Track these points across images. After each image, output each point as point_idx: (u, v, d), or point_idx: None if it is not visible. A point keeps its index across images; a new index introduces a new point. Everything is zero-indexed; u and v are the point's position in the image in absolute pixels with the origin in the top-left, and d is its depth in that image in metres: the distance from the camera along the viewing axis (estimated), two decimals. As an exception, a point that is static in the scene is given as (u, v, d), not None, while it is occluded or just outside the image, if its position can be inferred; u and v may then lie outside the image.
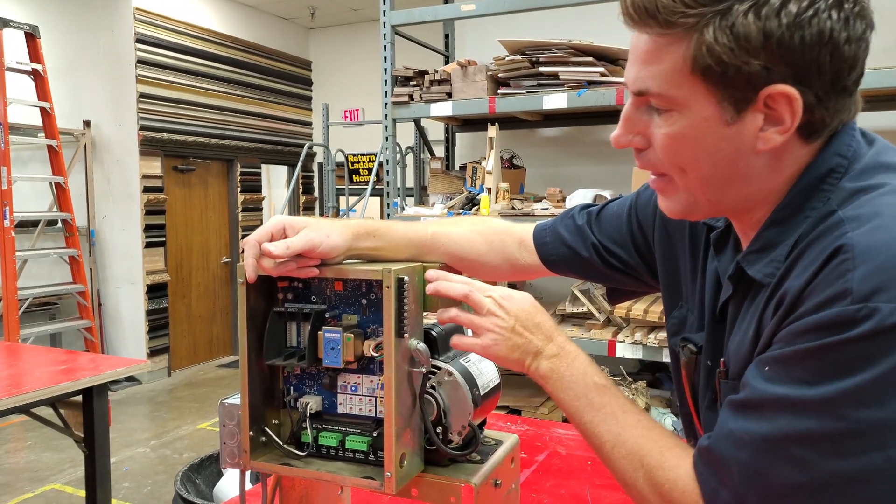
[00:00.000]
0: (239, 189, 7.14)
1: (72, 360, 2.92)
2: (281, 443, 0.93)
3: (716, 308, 0.82)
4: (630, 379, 3.31)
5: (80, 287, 5.44)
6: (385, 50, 3.60)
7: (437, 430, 0.89)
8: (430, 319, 0.92)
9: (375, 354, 0.88)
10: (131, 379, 5.90)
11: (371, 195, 4.94)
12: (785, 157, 0.71)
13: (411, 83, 3.57)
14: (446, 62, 4.30)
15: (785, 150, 0.70)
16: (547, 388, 0.84)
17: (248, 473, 0.96)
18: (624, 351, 3.06)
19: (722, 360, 0.78)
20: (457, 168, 4.26)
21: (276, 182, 8.10)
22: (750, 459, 0.65)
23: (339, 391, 0.93)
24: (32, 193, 5.77)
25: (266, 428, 0.94)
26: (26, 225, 5.52)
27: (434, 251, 1.01)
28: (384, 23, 3.60)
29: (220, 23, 6.82)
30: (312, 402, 0.92)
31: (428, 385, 0.89)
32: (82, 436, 2.76)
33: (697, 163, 0.71)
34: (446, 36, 4.45)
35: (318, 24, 7.79)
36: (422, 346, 0.86)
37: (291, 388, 0.95)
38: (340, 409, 0.93)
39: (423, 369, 0.88)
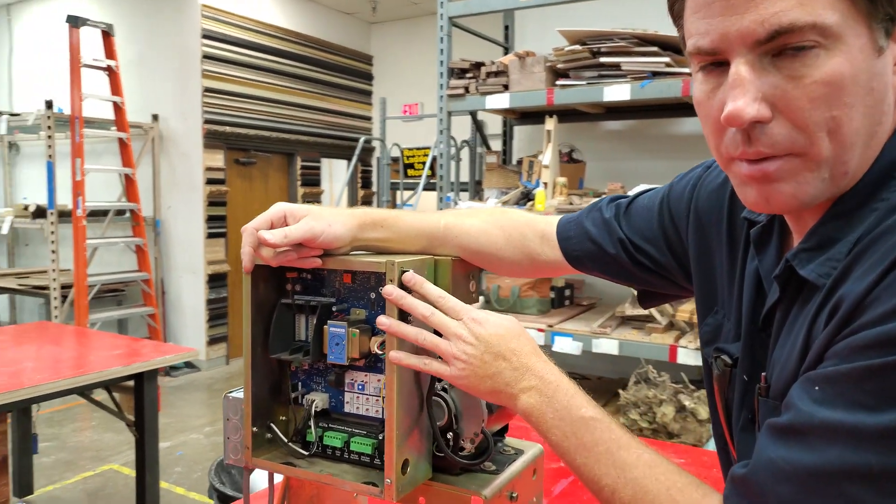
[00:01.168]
0: (299, 182, 7.23)
1: (128, 346, 3.01)
2: (286, 440, 0.88)
3: (755, 315, 0.71)
4: (692, 387, 3.13)
5: (145, 275, 5.62)
6: (441, 42, 3.54)
7: (448, 437, 0.82)
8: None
9: (380, 352, 0.81)
10: (191, 366, 6.06)
11: (424, 189, 4.90)
12: None
13: (467, 75, 3.49)
14: (506, 54, 4.20)
15: None
16: (531, 425, 0.74)
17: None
18: (686, 357, 2.90)
19: (763, 374, 0.67)
20: (514, 162, 4.16)
21: (338, 176, 8.17)
22: (793, 495, 0.55)
23: (346, 389, 0.87)
24: (104, 184, 5.99)
25: (272, 424, 0.89)
26: (97, 214, 5.73)
27: (446, 244, 0.93)
28: (441, 14, 3.54)
29: (283, 18, 6.91)
30: (319, 400, 0.87)
31: (440, 387, 0.82)
32: (133, 419, 2.83)
33: (851, 112, 0.57)
34: (506, 27, 4.35)
35: (379, 19, 7.81)
36: (430, 344, 0.79)
37: (299, 383, 0.90)
38: (347, 409, 0.87)
39: (432, 370, 0.80)
